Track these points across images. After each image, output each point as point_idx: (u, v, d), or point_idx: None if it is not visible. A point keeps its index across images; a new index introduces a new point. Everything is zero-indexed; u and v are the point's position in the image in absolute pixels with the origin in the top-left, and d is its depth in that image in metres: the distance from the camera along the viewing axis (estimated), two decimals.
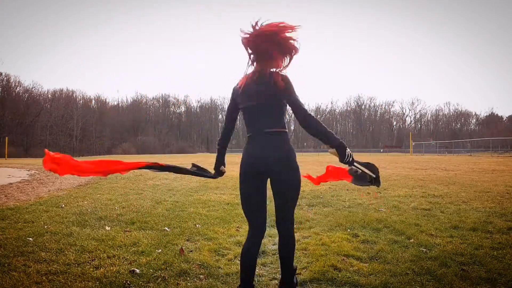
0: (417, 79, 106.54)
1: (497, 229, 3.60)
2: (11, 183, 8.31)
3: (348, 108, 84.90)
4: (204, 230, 3.68)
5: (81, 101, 73.36)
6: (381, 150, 59.44)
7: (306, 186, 7.37)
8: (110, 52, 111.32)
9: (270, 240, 3.27)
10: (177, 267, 2.58)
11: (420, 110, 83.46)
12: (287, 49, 1.89)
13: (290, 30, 1.84)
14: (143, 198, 5.84)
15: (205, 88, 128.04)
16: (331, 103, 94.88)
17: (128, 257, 2.79)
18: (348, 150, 1.82)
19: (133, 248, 3.03)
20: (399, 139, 77.35)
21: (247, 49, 1.91)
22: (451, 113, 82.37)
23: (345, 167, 2.18)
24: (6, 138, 37.33)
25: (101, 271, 2.47)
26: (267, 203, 1.97)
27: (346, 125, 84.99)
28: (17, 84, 64.36)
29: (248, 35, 1.87)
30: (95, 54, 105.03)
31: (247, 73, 1.95)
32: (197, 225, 3.89)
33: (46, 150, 1.77)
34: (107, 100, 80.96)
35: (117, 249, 2.99)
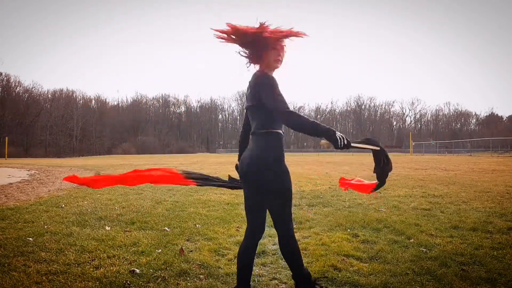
0: (417, 79, 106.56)
1: (497, 229, 3.60)
2: (11, 183, 8.31)
3: (348, 108, 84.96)
4: (204, 230, 3.68)
5: (81, 101, 73.40)
6: None
7: (306, 186, 7.38)
8: (110, 52, 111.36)
9: (270, 240, 3.27)
10: (177, 267, 2.58)
11: (420, 110, 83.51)
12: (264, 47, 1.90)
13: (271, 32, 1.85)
14: (143, 198, 5.84)
15: (205, 88, 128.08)
16: (331, 103, 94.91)
17: (128, 257, 2.79)
18: (338, 134, 1.71)
19: (133, 248, 3.03)
20: (399, 139, 77.33)
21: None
22: (451, 113, 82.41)
23: (370, 182, 2.30)
24: (6, 138, 37.33)
25: (101, 271, 2.47)
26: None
27: (346, 125, 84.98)
28: (17, 84, 64.44)
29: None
30: (95, 54, 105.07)
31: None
32: (197, 225, 3.89)
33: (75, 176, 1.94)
34: (107, 100, 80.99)
35: (117, 249, 2.99)
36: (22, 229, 3.66)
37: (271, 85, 1.81)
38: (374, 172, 2.17)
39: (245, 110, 2.02)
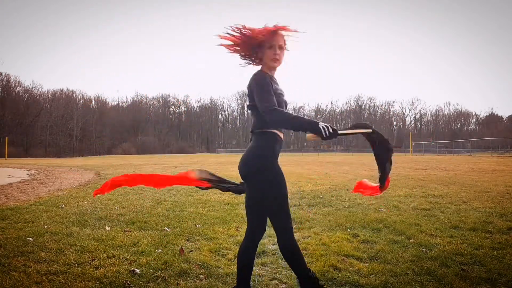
0: (417, 79, 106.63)
1: (497, 229, 3.60)
2: (11, 183, 8.31)
3: (348, 108, 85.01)
4: (204, 230, 3.68)
5: (81, 101, 73.42)
6: None
7: (306, 186, 7.38)
8: (110, 52, 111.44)
9: (270, 240, 3.27)
10: (177, 267, 2.58)
11: (420, 110, 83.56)
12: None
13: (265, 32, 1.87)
14: (143, 198, 5.84)
15: (205, 88, 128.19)
16: (331, 103, 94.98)
17: (128, 257, 2.79)
18: (321, 124, 1.66)
19: (133, 248, 3.03)
20: (399, 139, 77.32)
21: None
22: (451, 113, 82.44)
23: (375, 184, 2.26)
24: (6, 138, 37.33)
25: (101, 271, 2.47)
26: None
27: (346, 125, 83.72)
28: (17, 84, 64.47)
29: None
30: (95, 54, 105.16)
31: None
32: (197, 225, 3.89)
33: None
34: (107, 100, 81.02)
35: (117, 249, 2.99)
36: (22, 229, 3.66)
37: (260, 84, 1.82)
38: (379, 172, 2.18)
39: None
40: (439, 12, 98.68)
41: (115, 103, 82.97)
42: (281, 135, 1.94)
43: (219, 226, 3.84)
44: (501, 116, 77.75)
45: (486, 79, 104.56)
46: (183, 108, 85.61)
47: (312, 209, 4.84)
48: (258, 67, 1.98)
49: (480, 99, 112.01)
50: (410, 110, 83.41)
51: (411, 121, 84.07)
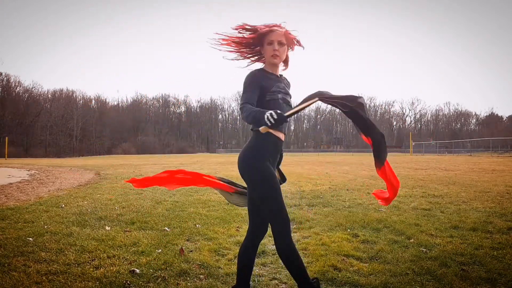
0: (417, 79, 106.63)
1: (497, 229, 3.60)
2: (11, 183, 8.31)
3: None
4: (204, 230, 3.68)
5: (81, 101, 73.42)
6: None
7: (306, 186, 7.38)
8: (110, 52, 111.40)
9: (270, 240, 3.26)
10: (177, 267, 2.58)
11: (420, 110, 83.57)
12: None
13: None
14: (143, 198, 5.84)
15: (205, 88, 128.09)
16: None
17: (128, 257, 2.79)
18: (266, 114, 1.57)
19: (133, 248, 3.03)
20: (399, 139, 77.35)
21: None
22: (451, 113, 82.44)
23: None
24: (6, 138, 37.32)
25: (101, 271, 2.47)
26: None
27: (346, 125, 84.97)
28: (17, 84, 64.46)
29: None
30: (95, 54, 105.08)
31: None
32: (197, 225, 3.89)
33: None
34: (107, 100, 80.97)
35: (117, 249, 2.99)
36: (22, 229, 3.66)
37: (244, 82, 1.85)
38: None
39: None
40: (439, 12, 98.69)
41: (115, 103, 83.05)
42: (277, 134, 1.89)
43: (219, 226, 3.84)
44: (501, 116, 77.82)
45: (486, 79, 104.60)
46: (183, 108, 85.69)
47: (312, 209, 4.84)
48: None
49: (480, 99, 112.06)
50: (410, 110, 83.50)
51: (411, 121, 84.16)
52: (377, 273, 2.46)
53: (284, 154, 1.92)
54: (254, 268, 2.43)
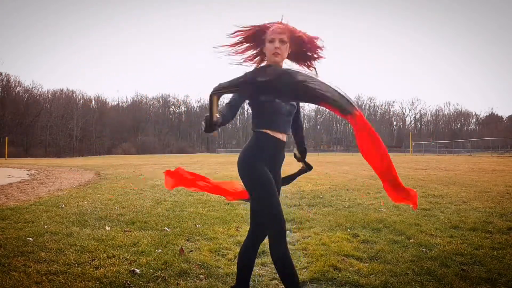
0: (417, 79, 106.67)
1: (497, 229, 3.60)
2: (11, 183, 8.31)
3: None
4: (204, 230, 3.68)
5: (81, 101, 73.39)
6: None
7: (306, 186, 7.38)
8: (110, 52, 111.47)
9: None
10: (177, 267, 2.58)
11: (420, 110, 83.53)
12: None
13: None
14: (143, 198, 5.84)
15: (205, 88, 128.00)
16: None
17: (128, 257, 2.79)
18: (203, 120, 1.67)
19: (133, 248, 3.03)
20: (399, 139, 77.33)
21: None
22: (451, 113, 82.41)
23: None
24: (6, 138, 37.31)
25: (101, 271, 2.47)
26: None
27: (346, 125, 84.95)
28: (17, 84, 64.45)
29: None
30: (95, 54, 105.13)
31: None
32: (197, 225, 3.89)
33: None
34: (107, 100, 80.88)
35: (117, 249, 2.99)
36: (22, 229, 3.65)
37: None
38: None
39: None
40: (439, 12, 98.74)
41: (115, 103, 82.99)
42: (275, 134, 1.85)
43: (219, 226, 3.84)
44: (501, 116, 77.78)
45: (486, 79, 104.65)
46: (183, 108, 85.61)
47: (312, 209, 4.84)
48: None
49: (480, 99, 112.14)
50: (410, 110, 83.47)
51: (411, 121, 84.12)
52: (377, 273, 2.46)
53: (266, 154, 1.85)
54: (254, 268, 2.43)
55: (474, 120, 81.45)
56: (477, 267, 2.55)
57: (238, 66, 1.99)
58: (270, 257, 2.82)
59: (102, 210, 4.76)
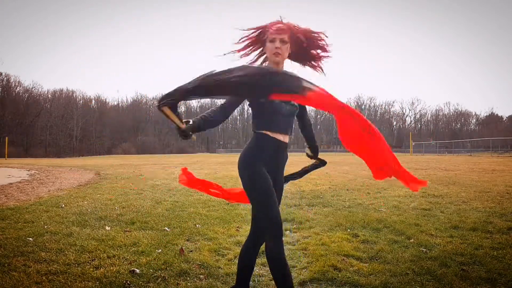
0: (417, 79, 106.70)
1: (497, 229, 3.60)
2: (11, 183, 8.31)
3: None
4: (204, 230, 3.68)
5: (81, 101, 73.35)
6: None
7: (306, 186, 7.38)
8: (110, 52, 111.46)
9: None
10: (177, 267, 2.58)
11: (420, 110, 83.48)
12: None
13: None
14: (143, 198, 5.84)
15: None
16: None
17: (128, 257, 2.79)
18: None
19: (133, 248, 3.03)
20: (399, 139, 77.32)
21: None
22: (451, 113, 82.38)
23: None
24: (6, 138, 37.28)
25: (101, 271, 2.47)
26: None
27: None
28: (17, 84, 64.41)
29: None
30: (95, 54, 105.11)
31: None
32: (197, 225, 3.89)
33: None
34: (107, 100, 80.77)
35: (117, 249, 2.99)
36: (22, 229, 3.65)
37: None
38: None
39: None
40: (439, 12, 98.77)
41: (115, 103, 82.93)
42: (275, 135, 1.83)
43: (219, 226, 3.84)
44: (501, 116, 77.76)
45: (486, 79, 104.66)
46: (183, 108, 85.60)
47: (312, 209, 4.84)
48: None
49: (480, 99, 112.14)
50: (410, 110, 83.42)
51: (411, 121, 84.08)
52: (377, 273, 2.46)
53: (264, 155, 1.83)
54: (255, 268, 2.43)
55: (474, 120, 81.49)
56: (477, 267, 2.55)
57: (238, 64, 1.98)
58: None
59: (102, 210, 4.76)
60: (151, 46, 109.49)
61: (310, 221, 4.05)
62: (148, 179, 9.00)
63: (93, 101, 76.51)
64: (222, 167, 14.58)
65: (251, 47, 1.93)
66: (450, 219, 4.10)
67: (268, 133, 1.82)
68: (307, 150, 2.20)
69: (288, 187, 7.11)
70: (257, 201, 1.76)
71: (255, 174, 1.77)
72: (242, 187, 1.87)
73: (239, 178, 1.87)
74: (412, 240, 3.24)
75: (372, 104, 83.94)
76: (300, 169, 2.23)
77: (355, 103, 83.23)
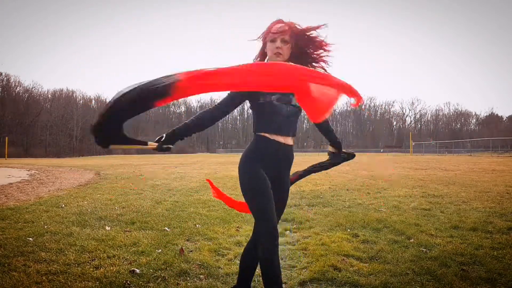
0: (417, 79, 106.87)
1: (497, 229, 3.60)
2: (11, 183, 8.31)
3: (348, 108, 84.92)
4: (204, 230, 3.68)
5: (81, 101, 73.38)
6: (381, 150, 59.41)
7: (306, 186, 7.38)
8: (110, 52, 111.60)
9: None
10: (177, 267, 2.58)
11: (420, 110, 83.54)
12: None
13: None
14: (143, 198, 5.84)
15: None
16: None
17: (128, 257, 2.79)
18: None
19: (133, 248, 3.03)
20: (399, 139, 77.33)
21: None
22: (451, 113, 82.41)
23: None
24: (6, 138, 37.31)
25: (101, 271, 2.47)
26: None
27: (346, 125, 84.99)
28: (17, 84, 64.45)
29: None
30: (95, 54, 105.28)
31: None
32: (197, 225, 3.89)
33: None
34: (107, 100, 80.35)
35: (117, 249, 2.99)
36: (22, 229, 3.65)
37: None
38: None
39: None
40: (439, 12, 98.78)
41: None
42: (276, 137, 1.79)
43: (219, 226, 3.84)
44: (501, 116, 77.85)
45: (486, 79, 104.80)
46: (183, 108, 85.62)
47: (312, 209, 4.84)
48: None
49: (480, 99, 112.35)
50: (410, 110, 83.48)
51: (411, 121, 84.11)
52: (377, 273, 2.46)
53: (262, 157, 1.80)
54: (256, 268, 2.43)
55: (474, 120, 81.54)
56: (477, 267, 2.55)
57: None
58: None
59: (102, 210, 4.76)
60: (151, 46, 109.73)
61: (310, 221, 4.05)
62: (148, 179, 9.00)
63: (93, 101, 76.51)
64: (222, 167, 14.58)
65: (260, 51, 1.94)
66: (450, 219, 4.10)
67: (267, 135, 1.78)
68: (330, 148, 2.16)
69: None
70: (252, 203, 1.74)
71: (252, 176, 1.75)
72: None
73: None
74: (412, 240, 3.24)
75: (372, 104, 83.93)
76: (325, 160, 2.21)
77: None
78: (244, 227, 3.77)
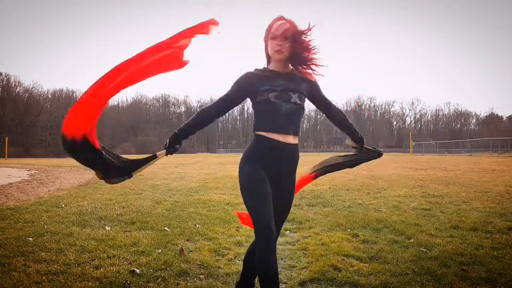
0: (417, 79, 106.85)
1: (497, 229, 3.60)
2: (11, 183, 8.31)
3: (348, 108, 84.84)
4: (204, 230, 3.68)
5: None
6: (381, 150, 59.28)
7: (306, 186, 7.38)
8: (110, 52, 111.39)
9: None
10: (177, 267, 2.58)
11: (420, 110, 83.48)
12: None
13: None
14: (143, 198, 5.84)
15: (205, 88, 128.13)
16: None
17: (128, 257, 2.79)
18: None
19: (133, 248, 3.03)
20: (399, 139, 77.31)
21: None
22: (451, 113, 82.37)
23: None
24: (6, 138, 37.29)
25: (101, 271, 2.47)
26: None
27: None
28: (17, 84, 64.41)
29: None
30: (95, 54, 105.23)
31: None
32: (197, 225, 3.89)
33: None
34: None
35: (117, 249, 2.99)
36: (22, 229, 3.65)
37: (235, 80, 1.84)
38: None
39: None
40: (439, 12, 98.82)
41: (115, 103, 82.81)
42: (275, 136, 1.74)
43: (219, 226, 3.84)
44: (501, 116, 77.77)
45: (486, 79, 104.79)
46: (183, 108, 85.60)
47: (312, 209, 4.84)
48: None
49: (480, 99, 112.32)
50: (410, 110, 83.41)
51: (411, 121, 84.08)
52: (377, 273, 2.46)
53: (260, 157, 1.77)
54: None
55: (474, 120, 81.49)
56: (477, 267, 2.55)
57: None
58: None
59: (102, 210, 4.76)
60: None
61: (310, 221, 4.05)
62: (148, 179, 8.99)
63: None
64: (222, 167, 14.58)
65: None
66: (450, 219, 4.10)
67: (264, 134, 1.75)
68: (348, 141, 2.16)
69: None
70: (247, 202, 1.72)
71: (250, 176, 1.73)
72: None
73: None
74: (412, 240, 3.24)
75: (372, 104, 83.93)
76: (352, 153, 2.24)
77: (355, 103, 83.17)
78: (244, 227, 3.77)
